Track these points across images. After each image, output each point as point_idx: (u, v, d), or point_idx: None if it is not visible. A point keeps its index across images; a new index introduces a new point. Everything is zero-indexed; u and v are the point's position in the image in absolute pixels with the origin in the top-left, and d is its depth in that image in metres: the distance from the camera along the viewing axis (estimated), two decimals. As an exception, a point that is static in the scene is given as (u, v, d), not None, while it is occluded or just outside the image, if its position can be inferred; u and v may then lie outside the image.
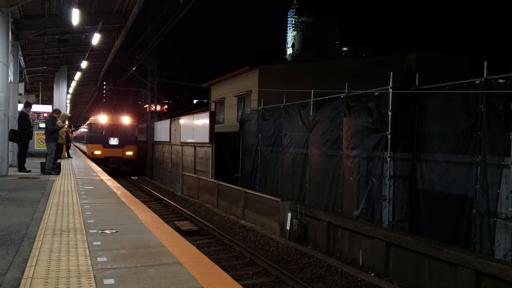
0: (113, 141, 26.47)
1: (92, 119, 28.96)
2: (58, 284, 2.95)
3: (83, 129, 39.81)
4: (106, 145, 26.27)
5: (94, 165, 16.84)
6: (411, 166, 8.78)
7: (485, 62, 7.10)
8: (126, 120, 27.76)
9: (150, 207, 9.05)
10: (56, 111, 12.58)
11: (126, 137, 27.06)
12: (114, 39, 17.75)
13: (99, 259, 3.54)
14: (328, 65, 21.10)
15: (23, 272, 3.19)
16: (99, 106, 46.03)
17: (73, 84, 26.49)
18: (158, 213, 10.97)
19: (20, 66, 16.76)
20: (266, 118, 14.65)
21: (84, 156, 25.21)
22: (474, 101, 7.32)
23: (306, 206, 10.59)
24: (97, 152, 25.83)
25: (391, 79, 8.88)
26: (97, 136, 26.66)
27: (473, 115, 7.33)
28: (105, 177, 11.41)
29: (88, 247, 3.94)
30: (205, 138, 17.57)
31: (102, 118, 27.45)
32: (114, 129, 26.98)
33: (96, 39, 15.18)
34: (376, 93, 9.42)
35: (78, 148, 37.88)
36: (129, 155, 26.87)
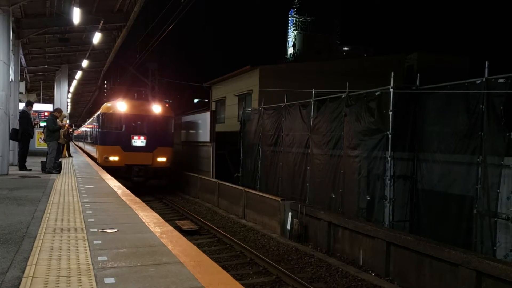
0: (139, 141, 17.25)
1: (106, 107, 18.36)
2: (58, 283, 2.94)
3: (88, 127, 29.01)
4: (128, 147, 17.06)
5: (95, 163, 16.65)
6: (411, 166, 8.77)
7: (486, 62, 7.12)
8: (157, 109, 17.97)
9: (150, 206, 9.01)
10: (57, 110, 12.62)
11: (158, 135, 17.62)
12: (115, 38, 17.77)
13: (99, 258, 3.54)
14: (329, 64, 21.15)
15: (24, 270, 3.19)
16: (101, 104, 44.13)
17: (74, 83, 26.52)
18: (158, 212, 10.93)
19: (21, 65, 16.79)
20: (267, 118, 14.65)
21: (86, 156, 23.63)
22: (474, 101, 7.32)
23: (307, 205, 10.59)
24: (114, 158, 16.88)
25: (392, 79, 8.88)
26: (114, 134, 17.41)
27: (473, 115, 7.33)
28: (106, 176, 11.41)
29: (89, 246, 3.94)
30: (206, 137, 17.55)
31: (121, 106, 17.46)
32: (139, 123, 17.78)
33: (97, 38, 15.20)
34: (377, 93, 9.41)
35: (82, 150, 30.75)
36: (162, 162, 17.57)
